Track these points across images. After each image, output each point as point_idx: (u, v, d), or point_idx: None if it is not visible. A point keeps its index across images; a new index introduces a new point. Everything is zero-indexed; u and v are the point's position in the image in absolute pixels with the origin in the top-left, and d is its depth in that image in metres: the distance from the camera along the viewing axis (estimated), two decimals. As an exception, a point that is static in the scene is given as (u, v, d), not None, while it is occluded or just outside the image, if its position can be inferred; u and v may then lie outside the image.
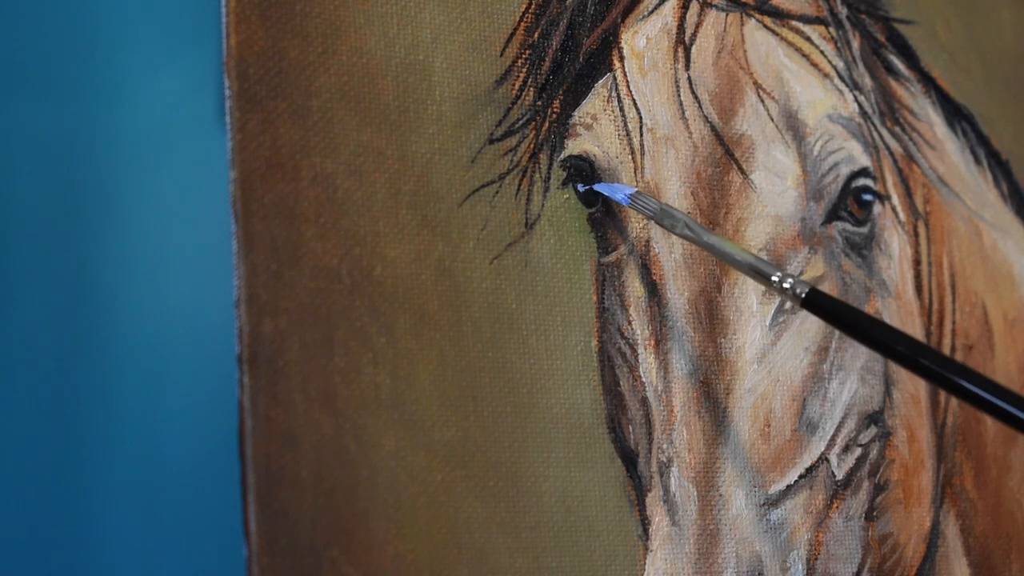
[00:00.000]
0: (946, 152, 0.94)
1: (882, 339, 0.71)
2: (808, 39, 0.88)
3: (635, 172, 0.81)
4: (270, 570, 0.66)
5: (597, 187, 0.79)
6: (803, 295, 0.73)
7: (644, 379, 0.79)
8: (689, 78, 0.83)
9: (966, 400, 0.69)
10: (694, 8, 0.85)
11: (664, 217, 0.77)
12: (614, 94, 0.82)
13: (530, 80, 0.80)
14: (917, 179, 0.91)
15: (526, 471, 0.75)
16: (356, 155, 0.73)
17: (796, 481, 0.81)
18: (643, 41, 0.83)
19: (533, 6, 0.81)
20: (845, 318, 0.73)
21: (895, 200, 0.89)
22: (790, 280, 0.73)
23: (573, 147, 0.80)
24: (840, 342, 0.84)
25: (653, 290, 0.80)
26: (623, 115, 0.81)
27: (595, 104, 0.81)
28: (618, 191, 0.78)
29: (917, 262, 0.90)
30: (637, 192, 0.78)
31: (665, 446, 0.78)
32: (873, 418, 0.84)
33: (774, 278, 0.73)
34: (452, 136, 0.77)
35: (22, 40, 1.19)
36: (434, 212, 0.75)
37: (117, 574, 1.14)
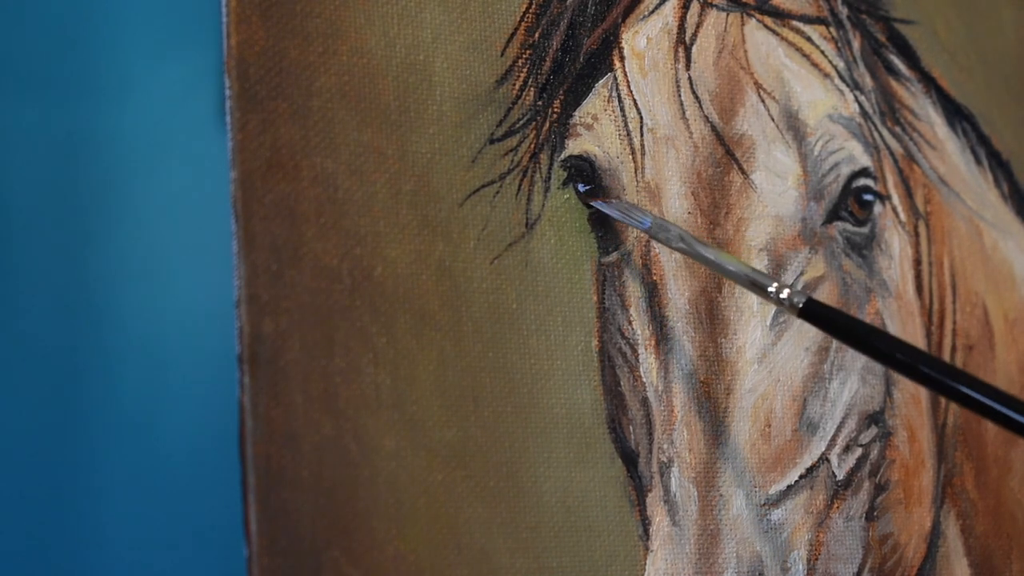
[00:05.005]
0: (947, 152, 0.94)
1: (881, 347, 0.71)
2: (809, 39, 0.88)
3: (635, 172, 0.81)
4: (270, 570, 0.66)
5: (594, 203, 0.79)
6: (800, 305, 0.72)
7: (645, 379, 0.79)
8: (690, 78, 0.83)
9: (966, 406, 0.68)
10: (695, 8, 0.84)
11: (659, 231, 0.77)
12: (615, 94, 0.82)
13: (531, 80, 0.80)
14: (918, 179, 0.91)
15: (527, 471, 0.74)
16: (357, 155, 0.73)
17: (797, 481, 0.80)
18: (644, 41, 0.83)
19: (534, 6, 0.81)
20: (843, 327, 0.73)
21: (896, 200, 0.89)
22: (787, 291, 0.73)
23: (574, 147, 0.80)
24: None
25: (653, 290, 0.80)
26: (624, 115, 0.81)
27: (596, 104, 0.81)
28: (613, 207, 0.78)
29: (918, 262, 0.90)
30: (630, 205, 0.78)
31: (666, 446, 0.78)
32: (874, 418, 0.84)
33: (770, 289, 0.73)
34: (453, 136, 0.76)
35: (22, 40, 1.19)
36: (435, 212, 0.75)
37: (117, 574, 1.14)
